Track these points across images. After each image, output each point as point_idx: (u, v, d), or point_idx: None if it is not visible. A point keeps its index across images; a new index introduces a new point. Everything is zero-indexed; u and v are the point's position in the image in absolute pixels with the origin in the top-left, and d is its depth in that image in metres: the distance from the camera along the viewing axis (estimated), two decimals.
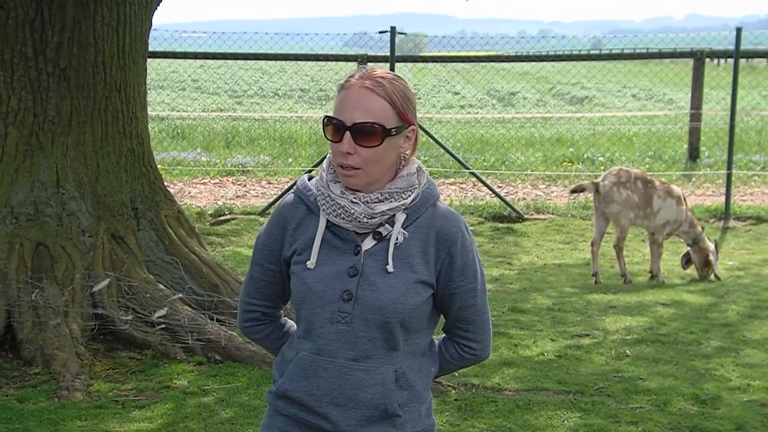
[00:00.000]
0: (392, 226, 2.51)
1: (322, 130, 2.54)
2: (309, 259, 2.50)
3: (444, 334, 2.70)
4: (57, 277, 6.39)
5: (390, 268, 2.49)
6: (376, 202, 2.49)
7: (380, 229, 2.51)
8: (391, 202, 2.50)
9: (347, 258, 2.50)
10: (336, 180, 2.52)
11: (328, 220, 2.51)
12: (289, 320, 2.74)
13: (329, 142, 2.50)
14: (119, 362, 6.19)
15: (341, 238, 2.51)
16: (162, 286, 6.63)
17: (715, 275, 8.99)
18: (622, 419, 5.41)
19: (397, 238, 2.51)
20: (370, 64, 12.61)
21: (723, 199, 12.19)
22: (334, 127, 2.47)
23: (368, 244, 2.51)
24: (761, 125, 20.36)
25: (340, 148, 2.46)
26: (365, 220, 2.48)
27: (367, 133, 2.45)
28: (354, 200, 2.49)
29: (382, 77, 2.49)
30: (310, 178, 2.61)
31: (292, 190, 2.63)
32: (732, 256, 9.93)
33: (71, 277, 6.41)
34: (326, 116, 2.49)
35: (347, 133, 2.46)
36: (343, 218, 2.49)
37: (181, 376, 5.97)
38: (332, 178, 2.53)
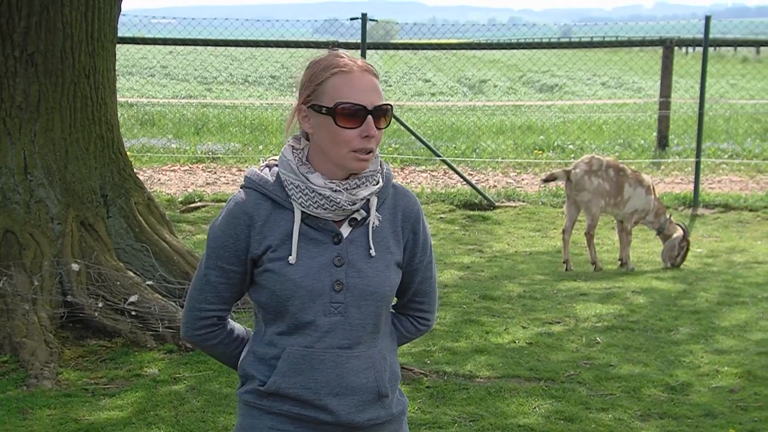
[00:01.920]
0: (366, 211, 2.50)
1: (330, 117, 2.43)
2: (290, 255, 2.45)
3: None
4: (25, 265, 6.32)
5: (373, 252, 2.49)
6: (355, 188, 2.47)
7: (355, 215, 2.50)
8: (367, 186, 2.49)
9: (327, 248, 2.48)
10: (312, 170, 2.48)
11: (302, 212, 2.47)
12: (231, 321, 2.66)
13: (340, 129, 2.43)
14: (89, 350, 6.14)
15: (316, 228, 2.48)
16: (132, 274, 6.58)
17: (664, 261, 9.01)
18: (593, 406, 5.44)
19: (373, 222, 2.51)
20: (341, 51, 12.56)
21: (692, 186, 12.28)
22: (355, 111, 2.43)
23: (345, 231, 2.50)
24: (729, 113, 20.51)
25: (365, 132, 2.44)
26: (348, 207, 2.47)
27: (383, 115, 2.47)
28: (336, 189, 2.46)
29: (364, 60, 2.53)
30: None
31: (244, 186, 2.53)
32: (701, 244, 10.00)
33: (40, 264, 6.35)
34: (343, 102, 2.43)
35: (369, 117, 2.44)
36: (325, 208, 2.46)
37: (151, 364, 5.94)
38: (307, 170, 2.48)
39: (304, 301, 2.46)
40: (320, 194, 2.45)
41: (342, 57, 2.49)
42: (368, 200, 2.51)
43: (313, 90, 2.48)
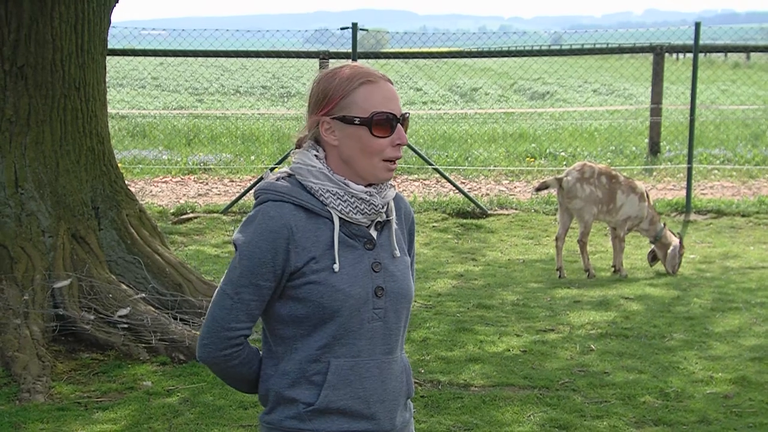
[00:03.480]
0: (386, 214, 2.53)
1: (365, 127, 2.43)
2: (333, 263, 2.42)
3: None
4: (17, 278, 6.30)
5: (397, 253, 2.52)
6: (381, 191, 2.50)
7: (379, 218, 2.51)
8: (388, 188, 2.53)
9: (362, 253, 2.48)
10: (348, 177, 2.47)
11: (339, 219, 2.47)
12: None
13: (374, 139, 2.44)
14: (81, 363, 6.11)
15: (350, 235, 2.47)
16: (124, 286, 6.56)
17: (668, 270, 8.98)
18: (587, 413, 5.43)
19: (394, 224, 2.55)
20: (332, 61, 12.55)
21: (684, 193, 12.29)
22: (388, 120, 2.44)
23: (373, 235, 2.51)
24: (720, 119, 20.56)
25: (396, 141, 2.46)
26: (381, 209, 2.49)
27: (405, 123, 2.49)
28: (371, 192, 2.47)
29: None
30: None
31: (273, 200, 2.45)
32: (694, 250, 10.01)
33: (31, 278, 6.32)
34: (379, 112, 2.42)
35: (399, 125, 2.46)
36: (363, 213, 2.46)
37: (144, 377, 5.92)
38: (343, 178, 2.46)
39: (352, 310, 2.44)
40: (360, 198, 2.45)
41: (360, 66, 2.48)
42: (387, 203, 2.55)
43: (338, 102, 2.45)
